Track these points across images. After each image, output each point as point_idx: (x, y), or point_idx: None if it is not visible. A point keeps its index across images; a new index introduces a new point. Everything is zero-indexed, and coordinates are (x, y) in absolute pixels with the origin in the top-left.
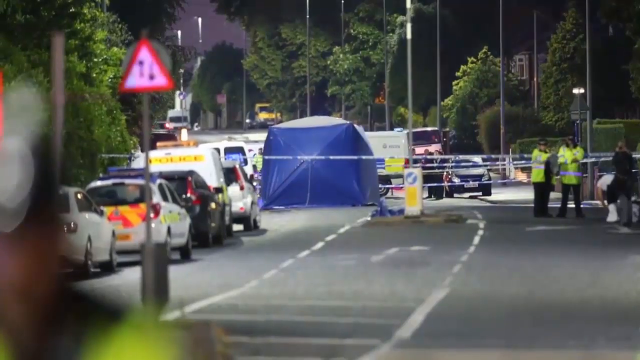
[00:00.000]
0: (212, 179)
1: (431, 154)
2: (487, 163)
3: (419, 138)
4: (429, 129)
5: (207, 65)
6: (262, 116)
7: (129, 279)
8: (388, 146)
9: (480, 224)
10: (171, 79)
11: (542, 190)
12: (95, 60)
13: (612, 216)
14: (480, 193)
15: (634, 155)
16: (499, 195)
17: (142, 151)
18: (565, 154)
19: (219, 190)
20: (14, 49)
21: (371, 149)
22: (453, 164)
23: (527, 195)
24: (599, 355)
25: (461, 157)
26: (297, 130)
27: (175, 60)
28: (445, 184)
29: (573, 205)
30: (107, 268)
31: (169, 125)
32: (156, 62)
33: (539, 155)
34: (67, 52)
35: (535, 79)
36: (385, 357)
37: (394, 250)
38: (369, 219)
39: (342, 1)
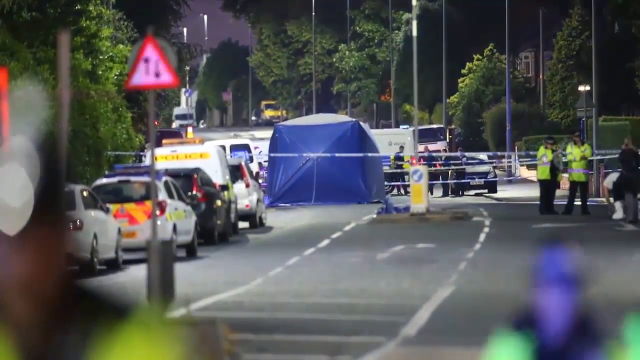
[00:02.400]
0: (218, 177)
1: (437, 151)
2: (493, 160)
3: (424, 135)
4: (434, 126)
5: (213, 63)
6: (268, 113)
7: (135, 276)
8: (394, 143)
9: (486, 222)
10: (177, 77)
11: (547, 187)
12: (101, 57)
13: (619, 213)
14: (486, 190)
15: None
16: (504, 192)
17: None
18: (573, 152)
19: (224, 187)
20: (19, 46)
21: (377, 147)
22: (461, 162)
23: (532, 192)
24: None
25: (467, 154)
26: (302, 128)
27: (181, 57)
28: (451, 181)
29: (579, 203)
30: (113, 265)
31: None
32: (162, 60)
33: (544, 153)
34: (72, 50)
35: (541, 77)
36: (391, 355)
37: (400, 248)
38: (374, 216)
39: None
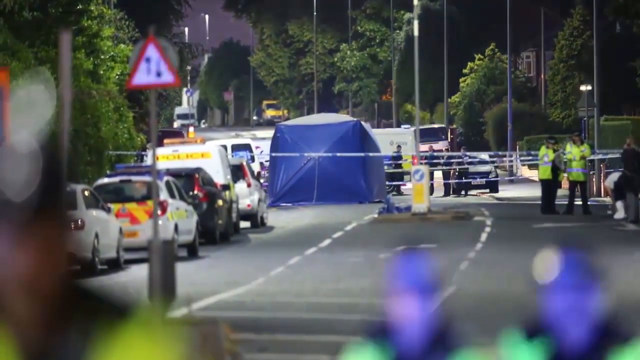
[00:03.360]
0: (219, 176)
1: (440, 151)
2: (495, 160)
3: (426, 135)
4: (436, 126)
5: (214, 63)
6: (269, 113)
7: (136, 276)
8: (395, 143)
9: (488, 221)
10: (178, 76)
11: (549, 187)
12: (103, 57)
13: (620, 213)
14: (488, 190)
15: None
16: (506, 192)
17: None
18: (573, 151)
19: (226, 187)
20: (21, 46)
21: (378, 146)
22: (463, 161)
23: (534, 192)
24: None
25: (468, 154)
26: (304, 128)
27: (183, 57)
28: (452, 181)
29: (580, 202)
30: (115, 265)
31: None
32: (163, 59)
33: (545, 153)
34: (74, 49)
35: (542, 76)
36: None
37: (401, 248)
38: (376, 216)
39: None
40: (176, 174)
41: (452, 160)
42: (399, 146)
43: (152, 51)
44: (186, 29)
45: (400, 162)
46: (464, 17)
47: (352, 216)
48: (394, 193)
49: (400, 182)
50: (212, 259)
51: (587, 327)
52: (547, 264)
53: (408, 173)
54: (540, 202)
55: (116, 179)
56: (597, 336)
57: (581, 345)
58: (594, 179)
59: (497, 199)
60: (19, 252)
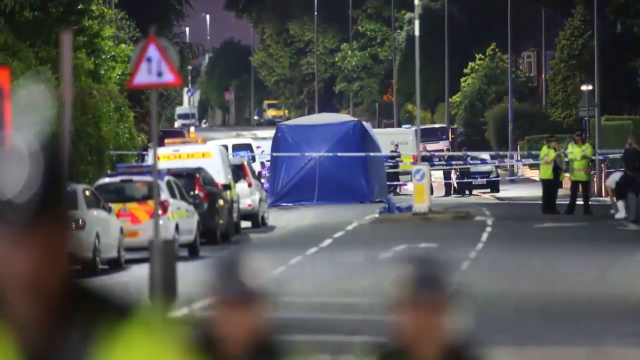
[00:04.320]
0: (220, 176)
1: (440, 150)
2: (495, 160)
3: (426, 135)
4: (436, 125)
5: (215, 62)
6: (270, 113)
7: (137, 275)
8: (396, 143)
9: (488, 221)
10: (179, 76)
11: (550, 187)
12: (103, 57)
13: (621, 213)
14: (489, 190)
15: None
16: (506, 192)
17: None
18: (574, 151)
19: (227, 187)
20: (22, 46)
21: (379, 146)
22: (465, 161)
23: (535, 192)
24: (608, 352)
25: (469, 153)
26: (305, 127)
27: (183, 57)
28: (454, 180)
29: (581, 202)
30: (115, 265)
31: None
32: (164, 59)
33: (547, 153)
34: (75, 49)
35: (543, 76)
36: None
37: (402, 247)
38: (376, 215)
39: None
40: (177, 173)
41: (453, 163)
42: (396, 145)
43: (153, 51)
44: (187, 29)
45: (395, 161)
46: (465, 16)
47: (353, 216)
48: (397, 192)
49: (395, 182)
50: (212, 259)
51: (437, 347)
52: (401, 280)
53: (407, 173)
54: (541, 202)
55: (117, 179)
56: (447, 357)
57: None
58: (594, 179)
59: (498, 198)
60: (21, 252)
